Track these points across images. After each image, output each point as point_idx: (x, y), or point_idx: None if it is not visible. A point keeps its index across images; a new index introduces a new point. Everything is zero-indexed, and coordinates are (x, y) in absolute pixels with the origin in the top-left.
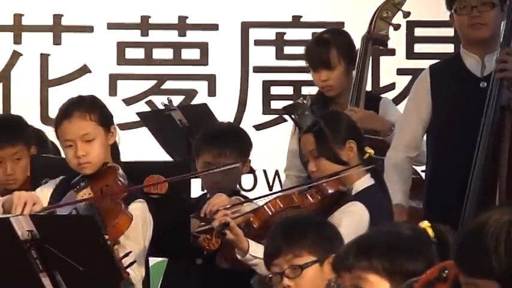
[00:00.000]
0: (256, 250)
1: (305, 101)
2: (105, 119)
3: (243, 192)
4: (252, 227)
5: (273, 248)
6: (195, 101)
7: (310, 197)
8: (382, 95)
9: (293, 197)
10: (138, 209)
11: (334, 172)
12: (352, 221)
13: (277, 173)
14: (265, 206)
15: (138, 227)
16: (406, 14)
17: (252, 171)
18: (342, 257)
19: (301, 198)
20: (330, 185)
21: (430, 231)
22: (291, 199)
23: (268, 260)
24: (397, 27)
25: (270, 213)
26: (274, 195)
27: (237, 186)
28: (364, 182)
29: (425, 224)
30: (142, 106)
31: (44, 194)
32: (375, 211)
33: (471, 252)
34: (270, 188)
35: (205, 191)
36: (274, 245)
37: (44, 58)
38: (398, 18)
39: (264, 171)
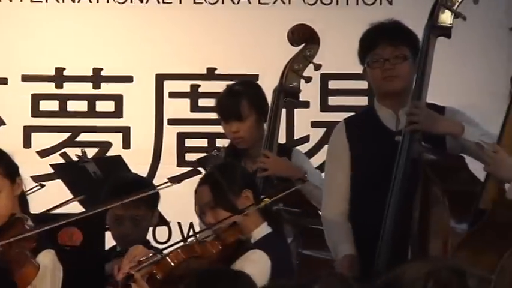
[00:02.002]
0: None
1: (218, 153)
2: (10, 170)
3: (157, 245)
4: (156, 279)
5: None
6: (109, 153)
7: (211, 247)
8: (296, 148)
9: (195, 247)
10: (46, 258)
11: (232, 222)
12: (254, 269)
13: (191, 225)
14: (167, 257)
15: (46, 276)
16: (317, 67)
17: (166, 223)
18: None
19: (203, 248)
20: (230, 234)
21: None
22: (192, 249)
23: None
24: (308, 79)
25: (173, 264)
26: (176, 246)
27: (147, 238)
28: (262, 230)
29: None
30: (56, 158)
31: None
32: (274, 258)
33: None
34: (185, 240)
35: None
36: None
37: None
38: (310, 71)
39: (179, 223)
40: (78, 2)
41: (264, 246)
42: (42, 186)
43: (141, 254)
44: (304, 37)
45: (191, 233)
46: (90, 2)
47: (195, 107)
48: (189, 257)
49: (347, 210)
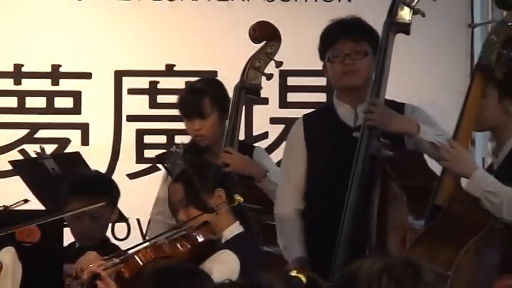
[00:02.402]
0: None
1: (178, 150)
2: None
3: (116, 242)
4: (124, 278)
5: None
6: (68, 150)
7: (180, 247)
8: (255, 144)
9: (164, 247)
10: (7, 256)
11: (203, 221)
12: (222, 270)
13: (150, 222)
14: (136, 256)
15: (7, 275)
16: (279, 64)
17: (125, 220)
18: None
19: (172, 248)
20: (200, 234)
21: (302, 278)
22: (161, 249)
23: None
24: (269, 76)
25: (141, 263)
26: (144, 245)
27: (106, 234)
28: (233, 230)
29: (295, 272)
30: (15, 155)
31: None
32: (245, 258)
33: None
34: (144, 237)
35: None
36: None
37: None
38: (271, 68)
39: (138, 220)
40: None
41: (234, 245)
42: (26, 201)
43: (91, 262)
44: (265, 34)
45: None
46: None
47: (153, 104)
48: (157, 256)
49: (301, 208)
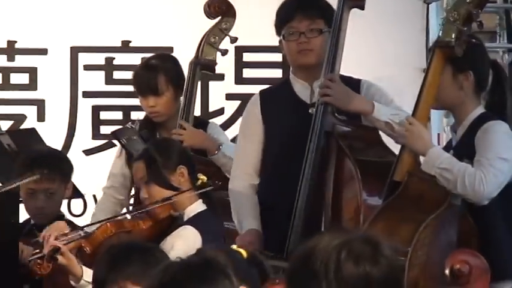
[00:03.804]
0: (88, 275)
1: (133, 126)
2: None
3: (72, 218)
4: (85, 253)
5: (98, 278)
6: (24, 126)
7: (142, 222)
8: (211, 120)
9: (125, 223)
10: None
11: (165, 197)
12: (183, 245)
13: None
14: (96, 231)
15: None
16: (234, 39)
17: (81, 196)
18: None
19: (133, 224)
20: (161, 210)
21: (244, 253)
22: (122, 224)
23: None
24: (224, 52)
25: (102, 238)
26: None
27: (61, 210)
28: (196, 207)
29: (236, 247)
30: None
31: None
32: (207, 236)
33: (301, 280)
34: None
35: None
36: (100, 275)
37: None
38: (226, 44)
39: (94, 196)
40: None
41: (197, 223)
42: None
43: (60, 230)
44: (220, 10)
45: None
46: None
47: (109, 80)
48: (118, 231)
49: (255, 183)
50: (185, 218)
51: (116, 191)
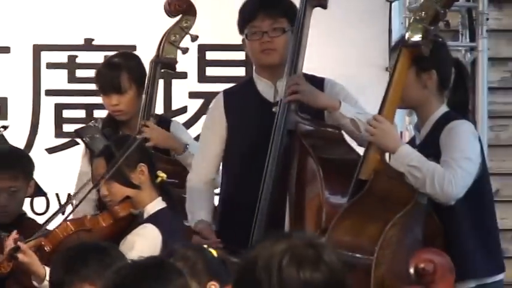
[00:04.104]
0: (48, 274)
1: (96, 124)
2: None
3: (35, 216)
4: (45, 251)
5: (55, 280)
6: None
7: (102, 220)
8: (174, 118)
9: (84, 221)
10: None
11: (125, 196)
12: (144, 244)
13: (69, 196)
14: (56, 229)
15: None
16: (194, 38)
17: (44, 194)
18: None
19: (93, 222)
20: (121, 208)
21: (214, 253)
22: (82, 222)
23: None
24: (185, 50)
25: (62, 236)
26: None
27: (23, 209)
28: (156, 205)
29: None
30: None
31: None
32: (167, 233)
33: (246, 286)
34: (63, 211)
35: None
36: (56, 277)
37: None
38: (188, 42)
39: (57, 194)
40: None
41: (157, 221)
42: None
43: None
44: (181, 8)
45: (69, 204)
46: None
47: (72, 78)
48: (78, 229)
49: (212, 177)
50: (145, 216)
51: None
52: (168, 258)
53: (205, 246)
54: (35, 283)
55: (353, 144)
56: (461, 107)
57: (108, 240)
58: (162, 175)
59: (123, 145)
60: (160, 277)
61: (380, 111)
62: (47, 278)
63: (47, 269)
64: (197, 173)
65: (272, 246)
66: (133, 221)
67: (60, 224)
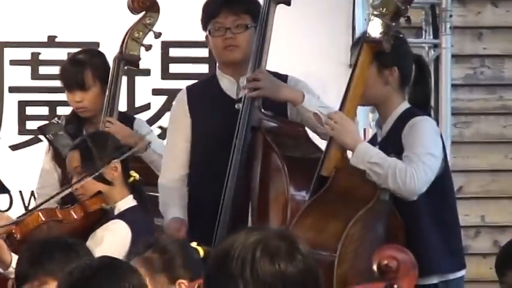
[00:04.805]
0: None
1: (59, 121)
2: None
3: None
4: (15, 239)
5: (20, 273)
6: None
7: (73, 213)
8: (137, 116)
9: (56, 211)
10: None
11: (97, 190)
12: (113, 239)
13: (32, 193)
14: (27, 218)
15: None
16: (158, 35)
17: (7, 191)
18: None
19: (65, 213)
20: (93, 202)
21: (201, 251)
22: (53, 213)
23: (17, 284)
24: (148, 47)
25: (32, 225)
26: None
27: None
28: (127, 202)
29: (195, 245)
30: None
31: None
32: (137, 231)
33: (219, 279)
34: (26, 208)
35: None
36: (22, 270)
37: None
38: (151, 39)
39: (20, 191)
40: None
41: (127, 217)
42: None
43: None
44: (144, 5)
45: (32, 201)
46: None
47: (35, 75)
48: (48, 219)
49: (184, 177)
50: (116, 212)
51: (52, 188)
52: (148, 247)
53: (193, 244)
54: (0, 269)
55: (317, 141)
56: (423, 103)
57: (78, 234)
58: (134, 175)
59: (99, 141)
60: (111, 276)
61: (341, 108)
62: (13, 265)
63: (15, 257)
64: (167, 171)
65: (245, 238)
66: (104, 216)
67: (31, 214)
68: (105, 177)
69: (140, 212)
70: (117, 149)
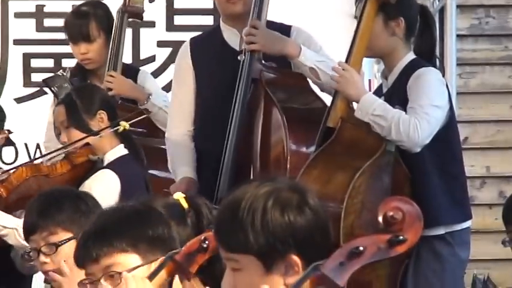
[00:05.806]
0: (4, 220)
1: (64, 74)
2: None
3: (3, 166)
4: (0, 197)
5: (29, 224)
6: None
7: (60, 166)
8: (142, 67)
9: (41, 166)
10: None
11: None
12: (101, 189)
13: (38, 146)
14: (11, 175)
15: None
16: None
17: (12, 144)
18: (82, 252)
19: (50, 168)
20: (79, 154)
21: (183, 203)
22: (38, 168)
23: (26, 235)
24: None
25: (17, 182)
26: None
27: None
28: (117, 152)
29: (179, 196)
30: None
31: None
32: (127, 180)
33: (229, 228)
34: (32, 161)
35: None
36: (30, 221)
37: None
38: None
39: (25, 144)
40: None
41: (115, 167)
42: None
43: None
44: None
45: (38, 153)
46: None
47: (40, 27)
48: (33, 175)
49: (191, 132)
50: (105, 163)
51: (57, 141)
52: (153, 203)
53: (176, 197)
54: None
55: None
56: (428, 54)
57: (69, 186)
58: (124, 124)
59: (84, 93)
60: (141, 221)
61: (347, 60)
62: (2, 223)
63: (3, 214)
64: (174, 127)
65: (257, 189)
66: (93, 167)
67: (15, 170)
68: (91, 128)
69: (131, 160)
70: (103, 99)
